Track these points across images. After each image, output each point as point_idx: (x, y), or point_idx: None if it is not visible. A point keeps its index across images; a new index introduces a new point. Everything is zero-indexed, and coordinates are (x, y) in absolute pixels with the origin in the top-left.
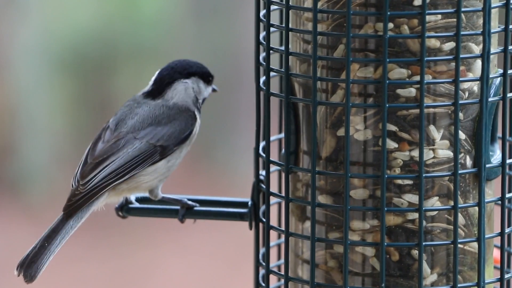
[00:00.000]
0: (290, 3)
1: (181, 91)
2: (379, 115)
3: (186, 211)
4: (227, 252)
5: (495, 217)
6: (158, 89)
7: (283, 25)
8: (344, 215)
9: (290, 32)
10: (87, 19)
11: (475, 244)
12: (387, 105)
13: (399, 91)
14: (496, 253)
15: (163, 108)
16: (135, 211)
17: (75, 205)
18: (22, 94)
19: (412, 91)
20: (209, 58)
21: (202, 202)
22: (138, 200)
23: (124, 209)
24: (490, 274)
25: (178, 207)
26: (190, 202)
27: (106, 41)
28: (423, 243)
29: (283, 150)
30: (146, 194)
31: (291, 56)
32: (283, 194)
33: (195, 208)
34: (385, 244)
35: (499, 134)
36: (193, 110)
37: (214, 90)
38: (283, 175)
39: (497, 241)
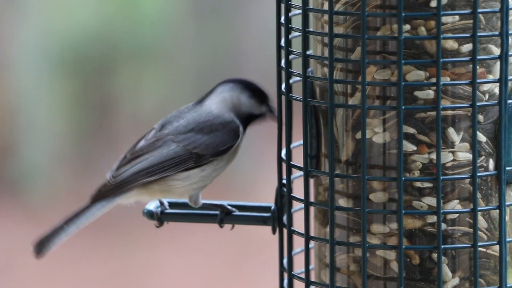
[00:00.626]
0: (307, 6)
1: (217, 95)
2: (397, 118)
3: (225, 216)
4: (227, 252)
5: None
6: (203, 97)
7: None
8: (362, 218)
9: (311, 36)
10: (87, 19)
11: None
12: (403, 107)
13: (417, 93)
14: None
15: (209, 116)
16: (171, 216)
17: (103, 195)
18: (22, 94)
19: (430, 93)
20: (209, 58)
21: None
22: (172, 205)
23: (159, 215)
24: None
25: (214, 212)
26: (229, 207)
27: (106, 41)
28: (442, 246)
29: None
30: (186, 200)
31: (313, 59)
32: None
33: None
34: (403, 247)
35: None
36: (237, 124)
37: (270, 112)
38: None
39: None
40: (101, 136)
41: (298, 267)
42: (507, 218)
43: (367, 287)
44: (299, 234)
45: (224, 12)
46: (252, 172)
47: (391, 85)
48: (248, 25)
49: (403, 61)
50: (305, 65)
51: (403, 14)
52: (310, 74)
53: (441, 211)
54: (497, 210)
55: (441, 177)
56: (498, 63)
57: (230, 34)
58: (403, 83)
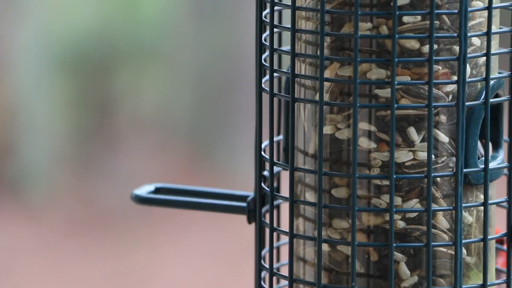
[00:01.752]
0: (275, 0)
1: None
2: (359, 114)
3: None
4: (227, 253)
5: (499, 220)
6: None
7: (284, 24)
8: (318, 213)
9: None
10: (87, 19)
11: (463, 249)
12: (358, 104)
13: (377, 91)
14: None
15: None
16: (152, 201)
17: None
18: (22, 94)
19: (390, 92)
20: (209, 58)
21: (204, 195)
22: (157, 190)
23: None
24: (479, 280)
25: (202, 200)
26: None
27: (106, 41)
28: (394, 244)
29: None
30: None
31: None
32: (284, 193)
33: (197, 201)
34: (356, 243)
35: (505, 137)
36: None
37: None
38: (284, 173)
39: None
40: (101, 136)
41: (283, 260)
42: (472, 219)
43: (321, 281)
44: (265, 224)
45: (224, 12)
46: (251, 172)
47: (347, 82)
48: (248, 25)
49: (359, 59)
50: (272, 59)
51: (360, 13)
52: (287, 70)
53: (393, 209)
54: (465, 211)
55: (394, 176)
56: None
57: (230, 34)
58: (358, 81)
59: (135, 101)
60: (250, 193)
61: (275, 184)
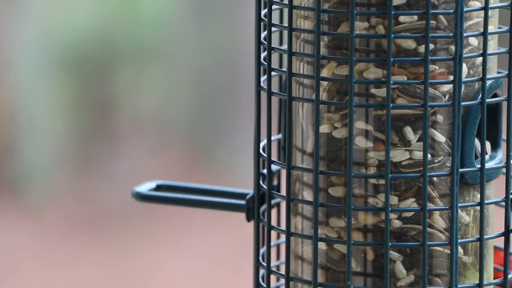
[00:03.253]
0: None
1: None
2: (356, 114)
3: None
4: (227, 253)
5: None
6: None
7: (280, 23)
8: (314, 211)
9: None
10: (87, 19)
11: (460, 249)
12: (354, 104)
13: (374, 90)
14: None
15: None
16: (152, 199)
17: None
18: (22, 94)
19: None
20: (209, 58)
21: (204, 192)
22: (158, 188)
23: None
24: (476, 280)
25: (201, 198)
26: None
27: (106, 41)
28: (389, 244)
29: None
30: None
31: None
32: (282, 192)
33: (197, 198)
34: (352, 242)
35: (503, 137)
36: None
37: None
38: (284, 172)
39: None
40: (101, 136)
41: (283, 258)
42: (470, 219)
43: (317, 279)
44: (262, 221)
45: (224, 12)
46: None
47: (345, 81)
48: (248, 25)
49: (354, 59)
50: (270, 58)
51: (355, 12)
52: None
53: (389, 208)
54: (461, 211)
55: (390, 175)
56: (463, 63)
57: (230, 34)
58: (354, 80)
59: (135, 101)
60: (249, 191)
61: (275, 182)
